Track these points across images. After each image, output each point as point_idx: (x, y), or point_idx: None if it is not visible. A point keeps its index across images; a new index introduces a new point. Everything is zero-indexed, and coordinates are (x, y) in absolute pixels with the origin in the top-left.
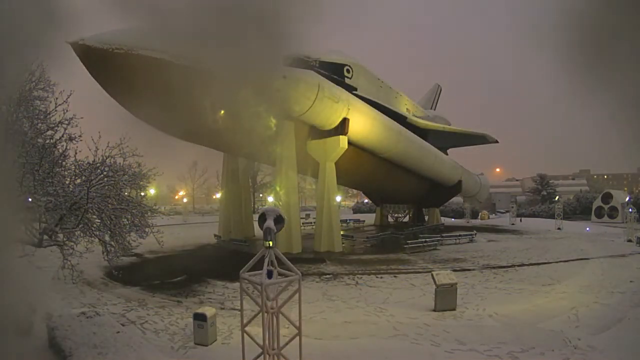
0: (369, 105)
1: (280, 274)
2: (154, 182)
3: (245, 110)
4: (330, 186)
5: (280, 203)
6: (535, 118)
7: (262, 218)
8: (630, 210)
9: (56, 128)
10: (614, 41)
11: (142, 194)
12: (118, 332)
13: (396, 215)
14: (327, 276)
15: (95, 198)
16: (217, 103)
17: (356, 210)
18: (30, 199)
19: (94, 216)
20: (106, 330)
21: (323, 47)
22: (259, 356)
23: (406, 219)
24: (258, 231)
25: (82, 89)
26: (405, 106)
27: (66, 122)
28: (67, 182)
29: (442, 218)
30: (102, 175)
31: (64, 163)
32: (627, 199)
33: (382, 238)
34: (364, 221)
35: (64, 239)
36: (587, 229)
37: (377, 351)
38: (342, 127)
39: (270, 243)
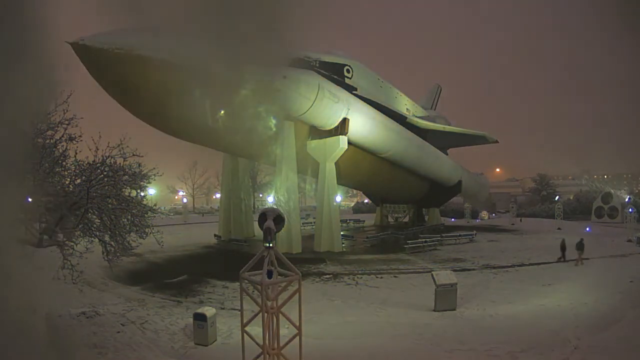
0: (369, 105)
1: (280, 274)
2: (154, 182)
3: (245, 110)
4: (330, 186)
5: (282, 204)
6: (535, 118)
7: (262, 218)
8: (630, 210)
9: (56, 128)
10: None
11: (142, 194)
12: (118, 332)
13: (396, 215)
14: (327, 276)
15: (95, 198)
16: (217, 103)
17: (356, 210)
18: (30, 199)
19: (94, 216)
20: (106, 330)
21: (323, 47)
22: (259, 356)
23: (406, 219)
24: (258, 231)
25: (82, 89)
26: (405, 106)
27: (66, 122)
28: (67, 182)
29: (442, 218)
30: (102, 176)
31: (64, 163)
32: (627, 199)
33: (382, 238)
34: (364, 221)
35: (64, 239)
36: (587, 229)
37: (377, 351)
38: (342, 127)
39: (271, 243)
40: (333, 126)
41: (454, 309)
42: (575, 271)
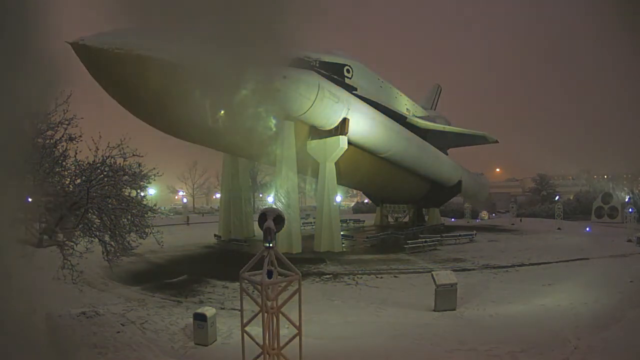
0: (369, 105)
1: (280, 274)
2: (154, 182)
3: (245, 110)
4: (330, 186)
5: (282, 204)
6: (535, 118)
7: (262, 218)
8: (630, 210)
9: (56, 128)
10: None
11: (142, 194)
12: (118, 332)
13: (396, 215)
14: (327, 276)
15: (95, 198)
16: (217, 103)
17: (356, 210)
18: (30, 199)
19: (94, 216)
20: (106, 330)
21: (323, 47)
22: (259, 356)
23: (406, 219)
24: (258, 231)
25: (82, 89)
26: (405, 106)
27: (66, 122)
28: (67, 182)
29: (442, 218)
30: (102, 176)
31: (64, 163)
32: (627, 199)
33: (382, 238)
34: (364, 221)
35: (64, 239)
36: (587, 229)
37: (377, 351)
38: (342, 127)
39: (271, 243)
40: (333, 126)
41: (454, 309)
42: (575, 271)
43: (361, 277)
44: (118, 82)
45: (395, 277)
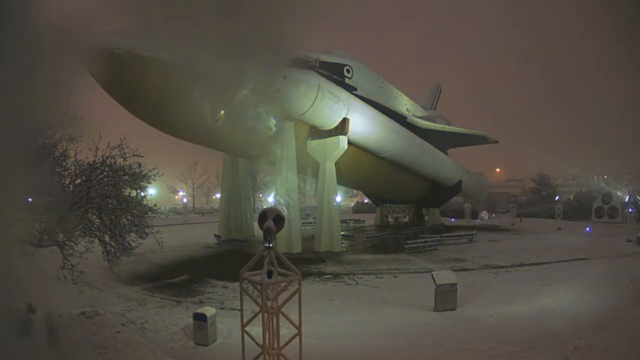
0: (369, 106)
1: (280, 274)
2: (155, 182)
3: (245, 110)
4: (330, 186)
5: (282, 204)
6: (535, 118)
7: (262, 218)
8: (630, 210)
9: (56, 128)
10: None
11: (142, 194)
12: (118, 332)
13: (396, 215)
14: (327, 276)
15: (95, 198)
16: (217, 103)
17: (356, 210)
18: (30, 199)
19: (94, 216)
20: (106, 330)
21: (323, 47)
22: (259, 356)
23: (406, 219)
24: (258, 231)
25: (82, 89)
26: (405, 106)
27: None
28: (67, 182)
29: (442, 218)
30: (102, 176)
31: (64, 163)
32: (627, 199)
33: (382, 238)
34: (364, 221)
35: (64, 239)
36: (587, 229)
37: (377, 351)
38: (342, 127)
39: (271, 243)
40: (333, 126)
41: (454, 309)
42: (575, 271)
43: (361, 277)
44: (118, 82)
45: (395, 277)
